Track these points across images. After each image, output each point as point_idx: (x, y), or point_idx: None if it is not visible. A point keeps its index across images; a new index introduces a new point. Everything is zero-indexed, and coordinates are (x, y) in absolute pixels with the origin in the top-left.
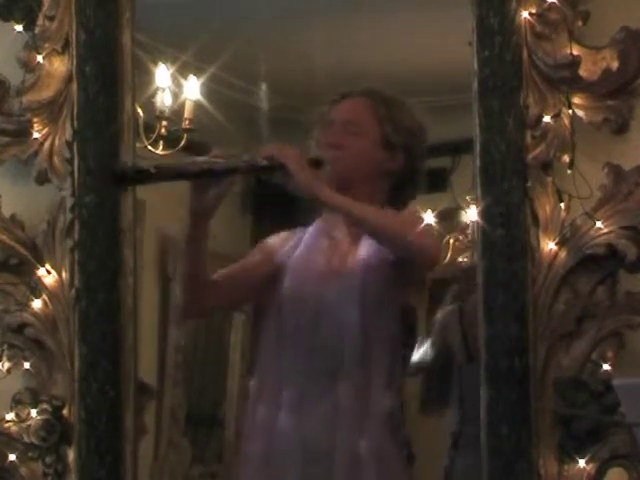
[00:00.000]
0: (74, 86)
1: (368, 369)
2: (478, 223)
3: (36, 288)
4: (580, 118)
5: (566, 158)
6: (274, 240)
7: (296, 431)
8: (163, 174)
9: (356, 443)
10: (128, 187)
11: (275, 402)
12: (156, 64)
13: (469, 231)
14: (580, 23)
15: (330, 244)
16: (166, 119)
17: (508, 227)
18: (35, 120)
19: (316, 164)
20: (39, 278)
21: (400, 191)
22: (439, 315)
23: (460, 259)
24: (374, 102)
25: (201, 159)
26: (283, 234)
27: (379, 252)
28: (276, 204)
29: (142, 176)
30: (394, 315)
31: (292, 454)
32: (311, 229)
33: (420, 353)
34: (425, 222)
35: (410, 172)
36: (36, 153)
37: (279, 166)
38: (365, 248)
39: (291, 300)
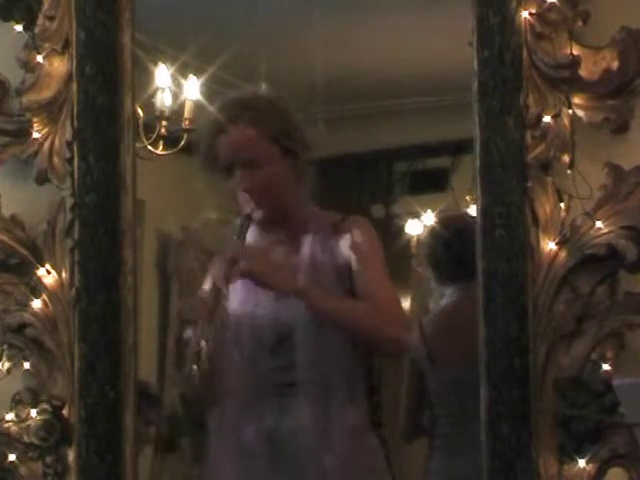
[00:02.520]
0: (74, 86)
1: (327, 382)
2: (478, 223)
3: (36, 288)
4: (580, 118)
5: (566, 158)
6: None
7: (262, 445)
8: (187, 403)
9: (322, 458)
10: None
11: (241, 424)
12: (156, 64)
13: None
14: (580, 23)
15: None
16: (166, 119)
17: (508, 227)
18: (35, 120)
19: (249, 221)
20: (39, 278)
21: (307, 186)
22: None
23: None
24: (257, 124)
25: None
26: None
27: (323, 255)
28: None
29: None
30: None
31: (260, 466)
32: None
33: None
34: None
35: (308, 160)
36: (36, 153)
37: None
38: (307, 256)
39: (244, 320)
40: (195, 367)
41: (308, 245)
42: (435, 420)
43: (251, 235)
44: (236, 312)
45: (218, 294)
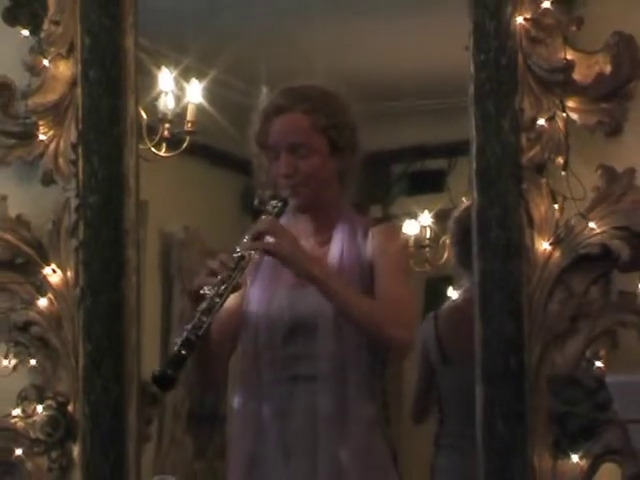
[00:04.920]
0: (79, 89)
1: (346, 375)
2: (474, 224)
3: (41, 287)
4: (574, 121)
5: (560, 160)
6: None
7: (280, 436)
8: (190, 345)
9: (337, 450)
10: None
11: (260, 408)
12: (159, 68)
13: None
14: (574, 28)
15: None
16: (169, 122)
17: (503, 228)
18: (41, 122)
19: (284, 205)
20: (44, 277)
21: (351, 187)
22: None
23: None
24: (310, 114)
25: (207, 293)
26: None
27: (349, 254)
28: None
29: (178, 362)
30: None
31: (276, 458)
32: None
33: None
34: (414, 307)
35: (357, 165)
36: (41, 155)
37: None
38: (336, 252)
39: (264, 312)
40: (205, 318)
41: (337, 241)
42: (444, 417)
43: (283, 221)
44: (254, 306)
45: (240, 260)
